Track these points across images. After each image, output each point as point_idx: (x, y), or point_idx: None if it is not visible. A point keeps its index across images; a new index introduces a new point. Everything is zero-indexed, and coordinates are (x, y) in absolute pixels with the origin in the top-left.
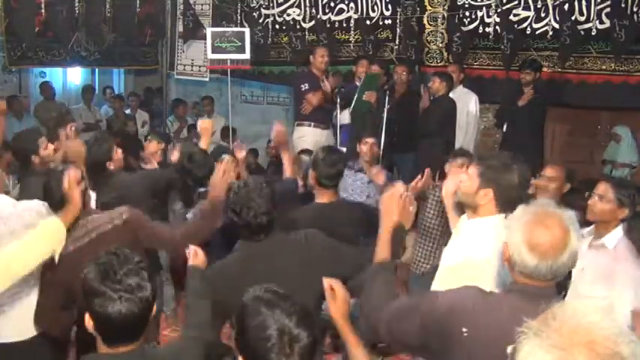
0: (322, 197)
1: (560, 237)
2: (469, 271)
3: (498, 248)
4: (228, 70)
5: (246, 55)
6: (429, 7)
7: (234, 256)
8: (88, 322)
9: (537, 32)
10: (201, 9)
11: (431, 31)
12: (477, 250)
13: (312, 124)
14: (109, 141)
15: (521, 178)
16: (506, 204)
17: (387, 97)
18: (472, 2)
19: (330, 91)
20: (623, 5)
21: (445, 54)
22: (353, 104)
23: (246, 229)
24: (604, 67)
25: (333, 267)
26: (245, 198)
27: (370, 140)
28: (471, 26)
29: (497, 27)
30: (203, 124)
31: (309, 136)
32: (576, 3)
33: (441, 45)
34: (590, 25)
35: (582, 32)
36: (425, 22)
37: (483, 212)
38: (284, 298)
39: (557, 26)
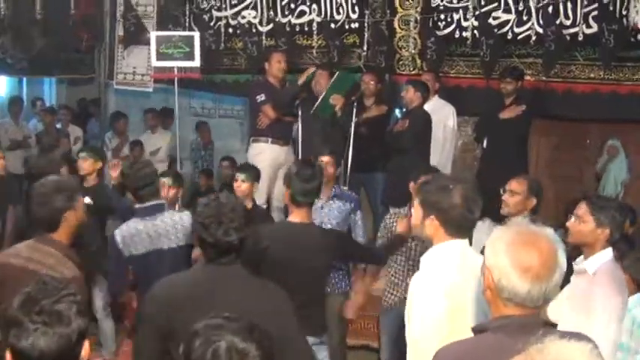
0: (295, 216)
1: (551, 256)
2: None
3: (456, 276)
4: (175, 79)
5: (196, 63)
6: (400, 10)
7: (187, 275)
8: None
9: (519, 37)
10: (145, 10)
11: (402, 36)
12: (432, 281)
13: (270, 139)
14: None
15: (465, 198)
16: (455, 227)
17: (354, 110)
18: (447, 4)
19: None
20: (611, 8)
21: (418, 61)
22: (316, 104)
23: (212, 249)
24: (592, 75)
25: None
26: (216, 211)
27: (325, 159)
28: (447, 30)
29: (475, 31)
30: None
31: (267, 153)
32: (561, 6)
33: (413, 51)
34: (576, 29)
35: (568, 37)
36: (396, 25)
37: (436, 240)
38: (234, 319)
39: (540, 31)
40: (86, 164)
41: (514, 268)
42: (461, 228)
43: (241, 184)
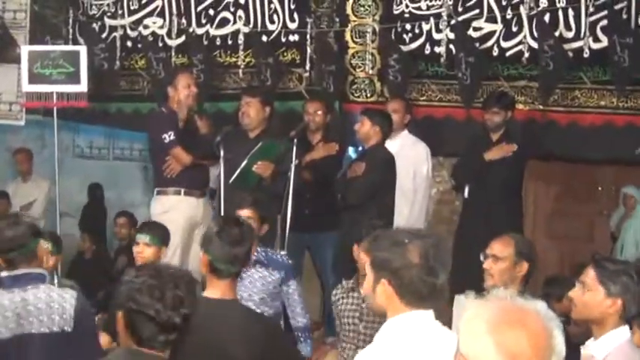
0: (215, 289)
1: (544, 339)
2: None
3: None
4: (55, 108)
5: (82, 87)
6: (353, 17)
7: None
8: None
9: (508, 54)
10: (14, 18)
11: (357, 52)
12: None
13: (183, 190)
14: None
15: (424, 255)
16: (412, 294)
17: (294, 149)
18: (415, 11)
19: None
20: (624, 17)
21: (377, 84)
22: (237, 173)
23: (146, 329)
24: (602, 102)
25: None
26: (155, 284)
27: (245, 213)
28: (414, 44)
29: (451, 46)
30: None
31: (179, 209)
32: (560, 13)
33: (371, 71)
34: (580, 43)
35: (571, 54)
36: (348, 37)
37: (390, 312)
38: None
39: (535, 45)
40: None
41: (498, 354)
42: (420, 295)
43: (144, 249)
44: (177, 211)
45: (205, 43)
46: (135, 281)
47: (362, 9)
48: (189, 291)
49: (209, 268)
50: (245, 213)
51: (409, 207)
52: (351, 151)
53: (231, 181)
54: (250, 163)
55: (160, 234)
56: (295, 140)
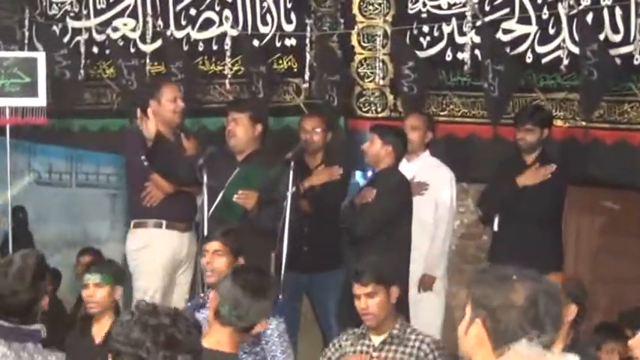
0: (213, 336)
1: None
2: None
3: None
4: (7, 126)
5: (40, 100)
6: (360, 18)
7: None
8: None
9: (544, 60)
10: None
11: (365, 59)
12: None
13: (165, 222)
14: None
15: (532, 298)
16: (507, 342)
17: (291, 174)
18: (433, 10)
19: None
20: None
21: (390, 97)
22: (215, 203)
23: None
24: None
25: None
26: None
27: (212, 246)
28: (433, 50)
29: (476, 51)
30: None
31: (160, 245)
32: (606, 12)
33: (382, 82)
34: (630, 48)
35: (618, 60)
36: (354, 42)
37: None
38: None
39: (575, 50)
40: None
41: None
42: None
43: (95, 291)
44: (157, 246)
45: (185, 48)
46: (126, 320)
47: (371, 8)
48: (189, 332)
49: (214, 312)
50: (212, 247)
51: (429, 243)
52: (358, 176)
53: (209, 213)
54: (230, 192)
55: (113, 272)
56: (292, 164)
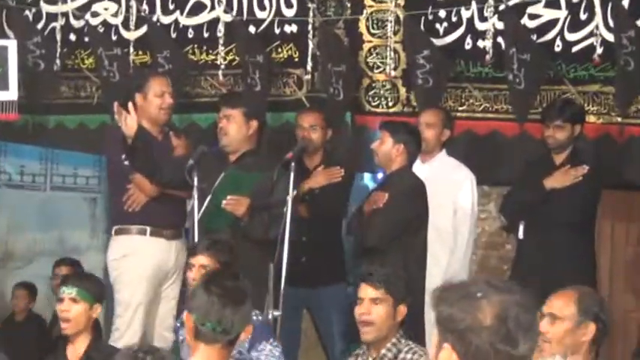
0: (201, 358)
1: None
2: None
3: None
4: None
5: (11, 94)
6: (369, 2)
7: None
8: None
9: (575, 49)
10: None
11: (375, 47)
12: None
13: (149, 229)
14: None
15: (501, 316)
16: None
17: (291, 177)
18: None
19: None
20: None
21: (402, 90)
22: (202, 210)
23: None
24: None
25: None
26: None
27: (198, 260)
28: (451, 37)
29: (499, 38)
30: None
31: (143, 253)
32: None
33: (393, 73)
34: None
35: None
36: (363, 28)
37: None
38: None
39: (610, 38)
40: None
41: None
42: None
43: (70, 307)
44: (140, 255)
45: (174, 35)
46: None
47: None
48: None
49: (193, 332)
50: (198, 261)
51: (448, 254)
52: (367, 179)
53: (197, 220)
54: (219, 197)
55: (92, 287)
56: (293, 164)
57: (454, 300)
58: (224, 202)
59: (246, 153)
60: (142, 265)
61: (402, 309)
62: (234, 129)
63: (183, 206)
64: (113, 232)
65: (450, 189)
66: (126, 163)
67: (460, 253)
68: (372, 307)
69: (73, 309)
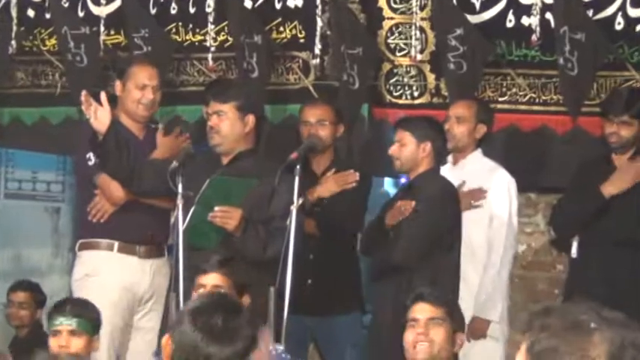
0: None
1: None
2: None
3: None
4: None
5: None
6: None
7: None
8: None
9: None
10: None
11: (397, 25)
12: None
13: (116, 244)
14: None
15: (618, 356)
16: None
17: (296, 182)
18: None
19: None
20: None
21: (431, 77)
22: (185, 222)
23: None
24: None
25: None
26: None
27: (210, 279)
28: (489, 13)
29: (547, 14)
30: None
31: (110, 273)
32: None
33: (420, 56)
34: None
35: None
36: (383, 3)
37: None
38: None
39: None
40: None
41: None
42: None
43: (69, 341)
44: (104, 275)
45: (153, 11)
46: None
47: None
48: None
49: None
50: (210, 280)
51: (480, 272)
52: (387, 184)
53: (180, 233)
54: (202, 209)
55: (92, 315)
56: (298, 168)
57: (558, 327)
58: (210, 214)
59: (241, 154)
60: (106, 286)
61: (460, 337)
62: (228, 127)
63: (164, 218)
64: (77, 248)
65: (486, 195)
66: (90, 163)
67: (494, 271)
68: (431, 327)
69: (73, 344)
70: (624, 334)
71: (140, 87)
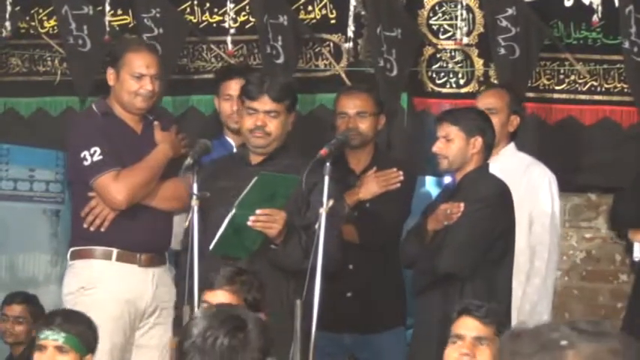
0: None
1: None
2: None
3: None
4: None
5: None
6: None
7: None
8: None
9: None
10: None
11: (440, 4)
12: None
13: (115, 252)
14: None
15: None
16: None
17: (326, 181)
18: None
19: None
20: None
21: (479, 63)
22: (219, 233)
23: None
24: None
25: None
26: None
27: (218, 296)
28: None
29: None
30: None
31: (108, 285)
32: None
33: (466, 39)
34: None
35: None
36: None
37: None
38: None
39: None
40: None
41: None
42: None
43: (54, 356)
44: (102, 288)
45: None
46: None
47: None
48: None
49: None
50: (216, 297)
51: (524, 282)
52: (429, 183)
53: (212, 247)
54: (242, 214)
55: (84, 331)
56: (328, 165)
57: (530, 353)
58: (252, 218)
59: (276, 151)
60: (105, 300)
61: None
62: (279, 128)
63: (166, 222)
64: (69, 257)
65: (524, 194)
66: (86, 163)
67: (538, 279)
68: (477, 348)
69: None
70: (599, 345)
71: (136, 76)
